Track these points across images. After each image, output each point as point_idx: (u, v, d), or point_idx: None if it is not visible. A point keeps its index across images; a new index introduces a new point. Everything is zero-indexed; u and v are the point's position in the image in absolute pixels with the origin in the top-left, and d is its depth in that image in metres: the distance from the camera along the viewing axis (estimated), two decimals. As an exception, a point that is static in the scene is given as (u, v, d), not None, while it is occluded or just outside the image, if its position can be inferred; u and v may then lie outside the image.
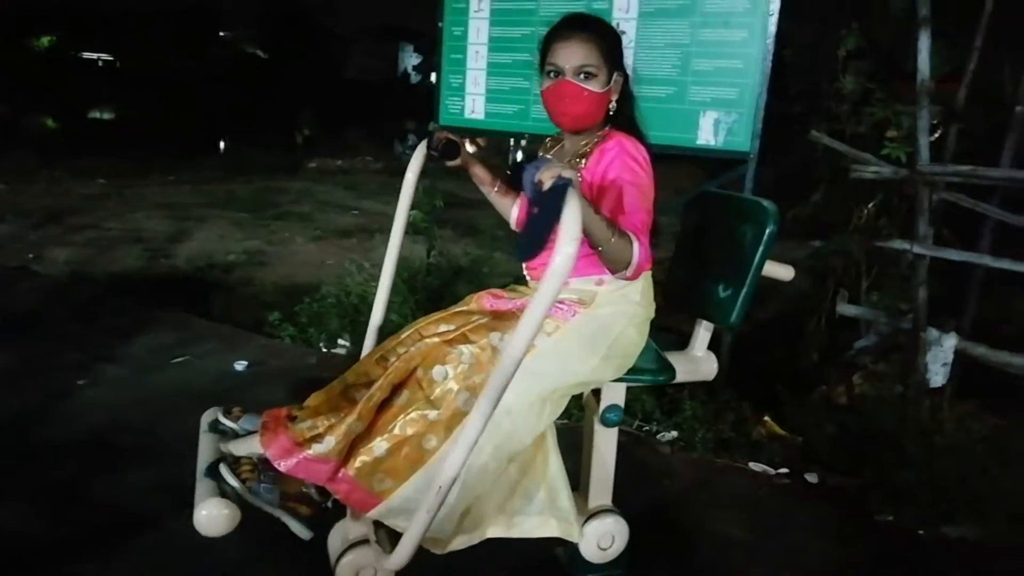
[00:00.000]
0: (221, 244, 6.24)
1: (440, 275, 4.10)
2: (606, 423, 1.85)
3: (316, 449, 1.55)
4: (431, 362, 1.61)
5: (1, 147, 10.06)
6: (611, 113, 1.76)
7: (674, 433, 2.98)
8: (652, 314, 1.82)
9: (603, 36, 1.71)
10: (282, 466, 1.55)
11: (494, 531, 1.72)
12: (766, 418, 3.05)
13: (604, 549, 1.88)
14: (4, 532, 2.13)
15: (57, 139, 12.66)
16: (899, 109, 3.09)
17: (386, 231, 2.04)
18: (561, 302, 1.71)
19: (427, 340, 1.65)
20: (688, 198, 2.27)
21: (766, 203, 1.83)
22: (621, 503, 1.93)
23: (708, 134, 3.09)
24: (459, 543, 1.68)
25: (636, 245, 1.51)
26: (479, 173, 1.95)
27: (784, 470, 2.78)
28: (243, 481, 1.58)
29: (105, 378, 3.21)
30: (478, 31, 3.61)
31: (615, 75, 1.73)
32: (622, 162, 1.64)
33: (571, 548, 1.87)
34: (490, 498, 1.69)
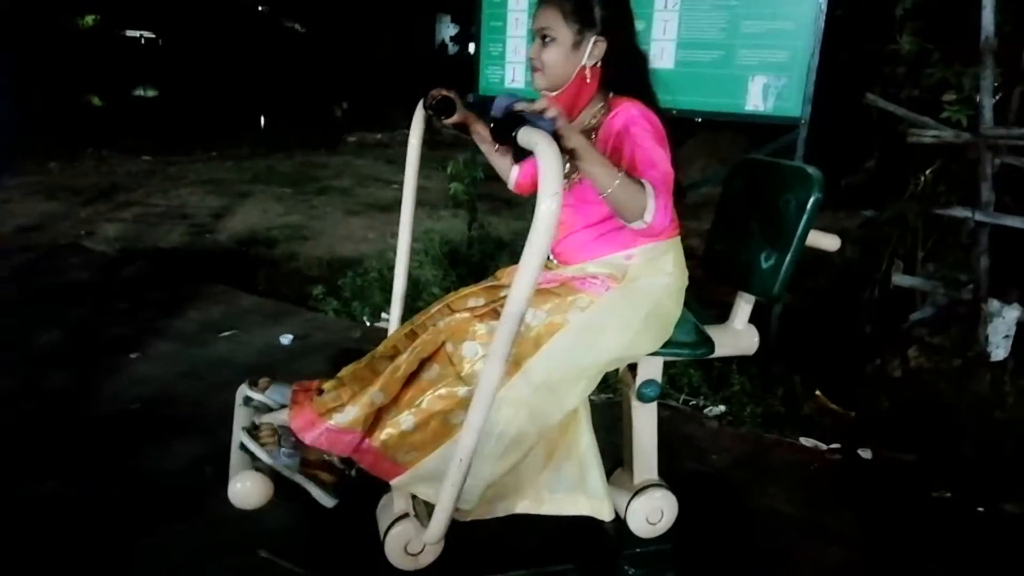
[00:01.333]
0: (264, 219, 6.30)
1: (482, 249, 4.08)
2: (643, 398, 1.81)
3: (337, 419, 1.55)
4: (460, 337, 1.59)
5: (49, 127, 10.29)
6: (588, 80, 1.64)
7: (722, 407, 2.93)
8: (686, 283, 1.76)
9: None
10: (307, 438, 1.56)
11: (523, 507, 1.70)
12: (817, 392, 2.98)
13: (653, 524, 1.85)
14: (54, 504, 2.19)
15: (103, 117, 12.88)
16: (960, 70, 2.95)
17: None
18: (595, 277, 1.66)
19: (457, 315, 1.63)
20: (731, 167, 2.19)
21: (811, 170, 1.75)
22: (669, 478, 1.90)
23: (757, 99, 2.99)
24: (481, 513, 1.67)
25: (650, 190, 1.42)
26: (481, 130, 1.85)
27: (836, 445, 2.72)
28: (263, 446, 1.59)
29: (155, 351, 3.28)
30: (518, -3, 3.53)
31: (592, 37, 1.60)
32: (630, 125, 1.54)
33: (621, 522, 1.84)
34: (519, 472, 1.66)
